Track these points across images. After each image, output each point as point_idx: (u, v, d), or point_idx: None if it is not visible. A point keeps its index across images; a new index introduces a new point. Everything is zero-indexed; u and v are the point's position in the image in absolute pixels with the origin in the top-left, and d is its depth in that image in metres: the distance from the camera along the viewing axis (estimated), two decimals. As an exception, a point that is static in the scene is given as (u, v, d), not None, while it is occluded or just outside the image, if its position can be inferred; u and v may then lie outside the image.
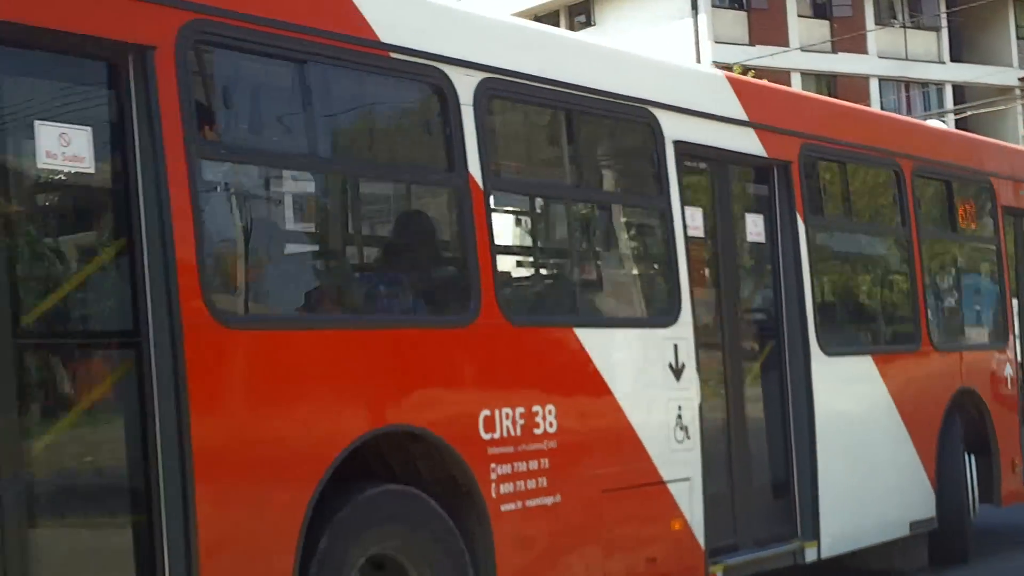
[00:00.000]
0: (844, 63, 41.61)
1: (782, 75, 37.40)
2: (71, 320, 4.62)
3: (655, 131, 6.93)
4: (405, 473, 5.52)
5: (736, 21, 40.11)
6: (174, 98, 4.59)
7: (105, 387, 4.61)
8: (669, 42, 37.29)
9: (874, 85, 42.61)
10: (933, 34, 44.11)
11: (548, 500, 5.98)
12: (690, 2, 38.90)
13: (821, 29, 41.58)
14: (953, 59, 44.35)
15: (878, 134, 9.20)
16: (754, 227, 7.72)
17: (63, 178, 4.49)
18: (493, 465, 5.72)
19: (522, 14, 44.05)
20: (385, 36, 5.49)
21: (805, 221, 7.88)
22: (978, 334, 10.12)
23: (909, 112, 43.78)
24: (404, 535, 5.35)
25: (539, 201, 6.71)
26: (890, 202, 9.16)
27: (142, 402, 4.50)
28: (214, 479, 4.57)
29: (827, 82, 41.98)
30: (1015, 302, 10.32)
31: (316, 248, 5.85)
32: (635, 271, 7.19)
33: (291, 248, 5.64)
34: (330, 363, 5.15)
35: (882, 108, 42.74)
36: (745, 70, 32.13)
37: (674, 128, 7.00)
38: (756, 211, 7.79)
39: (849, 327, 8.84)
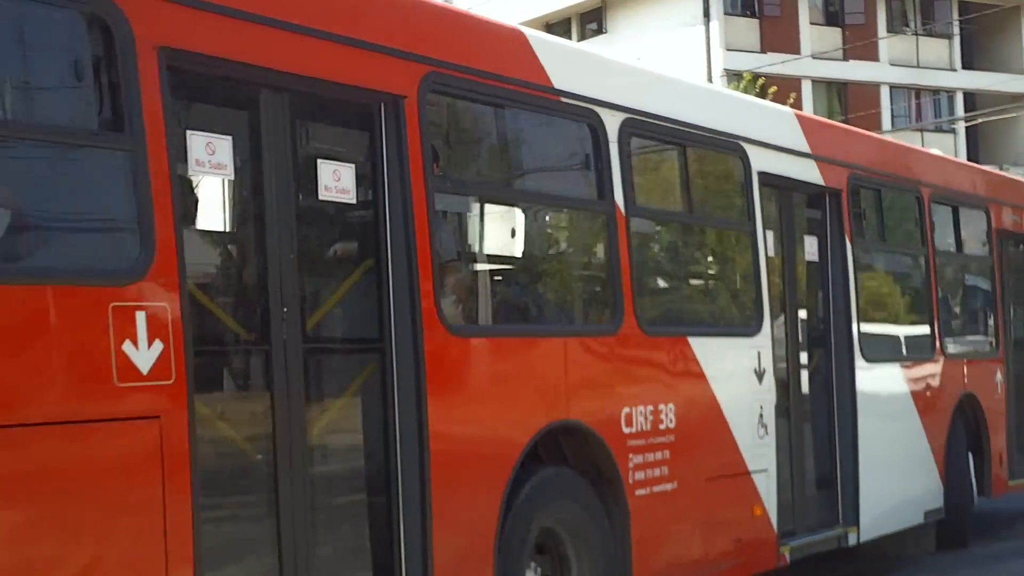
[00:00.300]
0: (855, 70, 42.07)
1: (793, 82, 37.89)
2: (333, 327, 5.60)
3: (745, 163, 8.03)
4: (552, 460, 6.44)
5: (748, 28, 40.60)
6: (417, 139, 5.54)
7: (357, 385, 5.58)
8: (681, 49, 37.91)
9: (885, 92, 43.07)
10: (945, 41, 44.64)
11: (668, 486, 7.01)
12: (702, 9, 39.46)
13: (833, 36, 42.07)
14: (965, 67, 44.79)
15: (905, 165, 10.45)
16: (811, 248, 8.85)
17: (333, 207, 5.48)
18: (631, 455, 6.74)
19: (533, 21, 44.72)
20: (557, 83, 6.52)
21: (852, 242, 9.08)
22: (976, 344, 11.46)
23: (919, 119, 44.55)
24: (567, 510, 6.35)
25: (660, 225, 7.77)
26: (912, 226, 10.41)
27: (384, 398, 5.45)
28: (443, 462, 5.54)
29: (838, 89, 42.57)
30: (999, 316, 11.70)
31: (509, 267, 6.87)
32: (730, 287, 8.31)
33: (493, 267, 6.68)
34: (523, 365, 6.24)
35: (892, 116, 43.48)
36: (755, 77, 32.80)
37: (758, 160, 8.12)
38: (811, 233, 8.92)
39: (882, 336, 9.96)
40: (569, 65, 6.76)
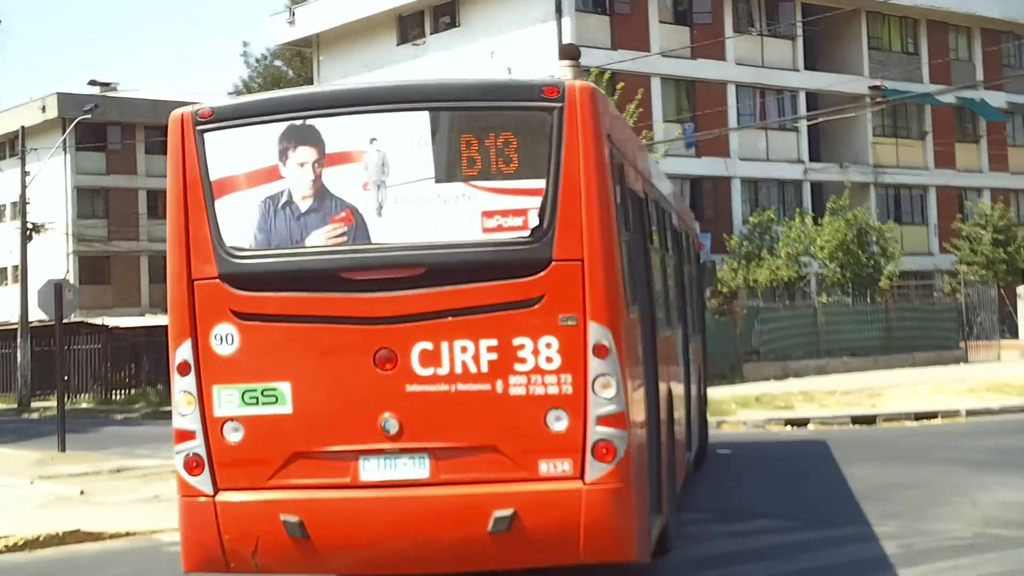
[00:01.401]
0: (703, 69, 44.61)
1: (642, 79, 39.83)
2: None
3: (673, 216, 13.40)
4: None
5: (599, 25, 42.59)
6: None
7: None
8: (533, 45, 39.34)
9: (731, 91, 45.57)
10: (789, 42, 47.35)
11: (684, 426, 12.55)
12: (554, 5, 40.96)
13: (681, 35, 44.37)
14: (807, 67, 47.83)
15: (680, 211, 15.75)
16: None
17: None
18: (678, 406, 11.62)
19: (386, 13, 45.86)
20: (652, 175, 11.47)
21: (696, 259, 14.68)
22: (697, 330, 16.42)
23: (764, 118, 46.63)
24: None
25: (674, 261, 12.83)
26: (686, 245, 15.69)
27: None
28: (662, 406, 9.90)
29: (686, 87, 44.65)
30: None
31: (669, 291, 11.47)
32: (688, 300, 13.33)
33: (658, 291, 10.77)
34: (672, 350, 11.24)
35: (738, 114, 45.57)
36: (601, 73, 34.08)
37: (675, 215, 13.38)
38: None
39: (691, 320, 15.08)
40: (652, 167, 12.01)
